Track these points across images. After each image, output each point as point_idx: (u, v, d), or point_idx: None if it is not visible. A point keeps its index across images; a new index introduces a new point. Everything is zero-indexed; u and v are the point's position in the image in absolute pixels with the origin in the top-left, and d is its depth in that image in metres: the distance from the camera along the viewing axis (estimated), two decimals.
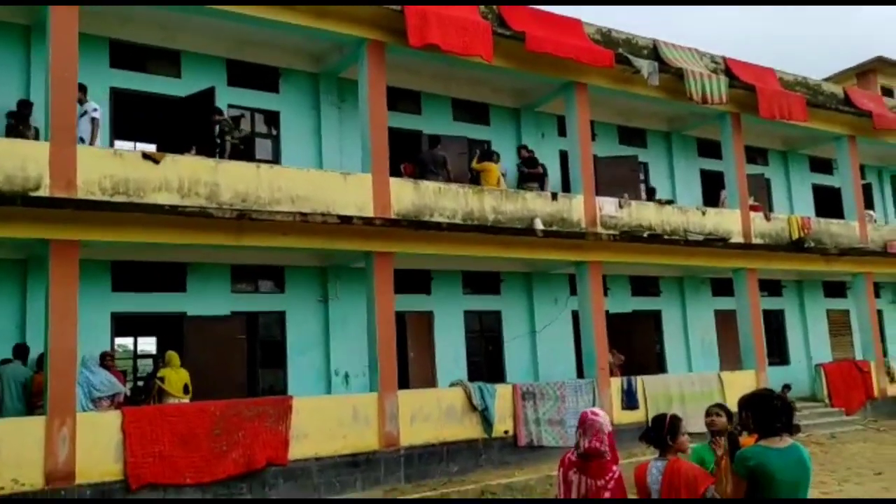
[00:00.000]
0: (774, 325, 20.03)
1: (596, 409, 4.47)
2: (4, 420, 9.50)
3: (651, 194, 17.48)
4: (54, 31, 9.98)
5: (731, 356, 17.84)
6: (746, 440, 4.57)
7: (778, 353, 19.84)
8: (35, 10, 10.93)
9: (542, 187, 15.12)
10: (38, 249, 10.08)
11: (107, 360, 11.16)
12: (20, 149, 9.68)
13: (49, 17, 10.02)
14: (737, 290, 17.15)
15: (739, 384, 15.73)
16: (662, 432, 4.45)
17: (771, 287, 20.07)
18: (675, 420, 4.47)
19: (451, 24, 12.70)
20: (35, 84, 11.23)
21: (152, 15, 11.82)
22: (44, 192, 9.58)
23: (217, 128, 12.13)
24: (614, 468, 4.26)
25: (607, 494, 4.18)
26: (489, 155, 14.77)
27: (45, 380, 9.41)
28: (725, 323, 18.21)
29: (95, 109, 10.88)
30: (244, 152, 12.94)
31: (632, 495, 4.49)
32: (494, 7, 14.22)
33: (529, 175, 15.22)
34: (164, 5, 11.29)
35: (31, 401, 10.03)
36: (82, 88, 10.70)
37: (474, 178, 14.39)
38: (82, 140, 10.52)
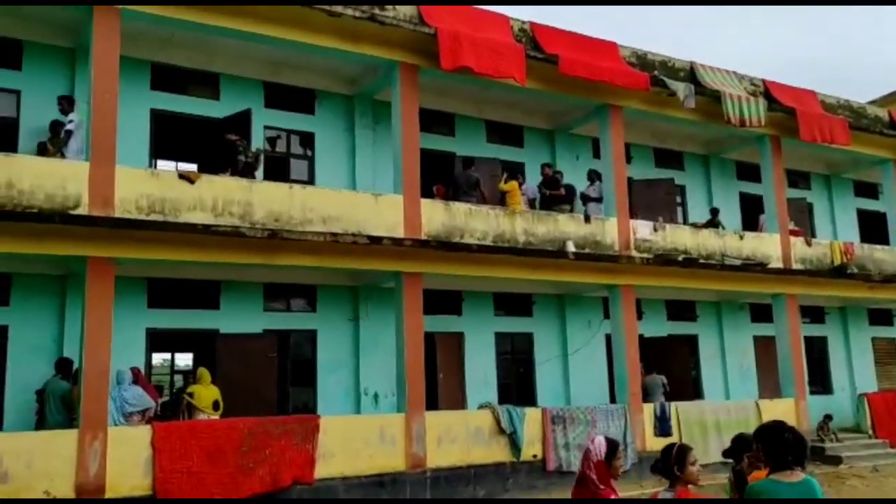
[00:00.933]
0: (817, 352, 19.48)
1: (595, 437, 4.45)
2: (38, 433, 9.77)
3: (714, 214, 17.33)
4: (97, 54, 10.32)
5: (770, 384, 17.42)
6: (758, 474, 4.46)
7: (820, 381, 19.30)
8: (79, 34, 11.32)
9: (571, 209, 15.00)
10: (75, 266, 10.38)
11: (137, 375, 11.41)
12: (61, 168, 10.00)
13: (92, 41, 10.37)
14: (776, 316, 16.78)
15: (778, 413, 15.31)
16: (670, 462, 4.36)
17: (813, 314, 19.58)
18: (683, 450, 4.38)
19: (484, 46, 12.78)
20: (79, 106, 11.56)
21: (192, 38, 12.14)
22: (82, 210, 9.86)
23: (240, 149, 12.26)
24: (612, 497, 4.20)
25: None
26: (514, 175, 14.67)
27: (79, 394, 9.62)
28: (765, 349, 17.80)
29: (71, 122, 10.76)
30: (277, 172, 13.18)
31: None
32: (528, 30, 14.28)
33: (552, 197, 15.01)
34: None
35: (71, 414, 10.25)
36: (69, 100, 10.95)
37: (502, 200, 14.35)
38: (62, 153, 10.65)
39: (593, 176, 15.41)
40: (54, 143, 11.00)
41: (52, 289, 11.29)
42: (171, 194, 10.55)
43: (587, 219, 14.44)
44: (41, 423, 10.25)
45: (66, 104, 10.98)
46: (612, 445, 4.39)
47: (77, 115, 10.83)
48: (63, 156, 10.70)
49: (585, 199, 15.36)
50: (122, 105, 10.68)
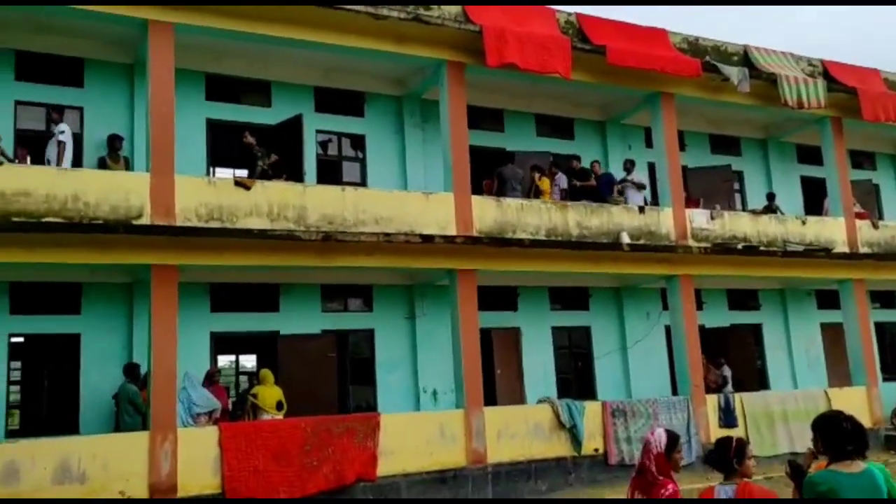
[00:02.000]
0: (889, 338, 18.82)
1: (656, 429, 4.42)
2: (111, 435, 10.20)
3: (771, 200, 16.90)
4: (153, 68, 10.69)
5: (840, 372, 16.89)
6: (819, 465, 4.36)
7: (893, 367, 18.62)
8: (136, 49, 11.72)
9: (562, 196, 14.46)
10: (141, 274, 10.76)
11: (214, 377, 11.83)
12: (124, 181, 10.39)
13: (148, 55, 10.74)
14: (843, 303, 16.25)
15: (849, 402, 14.85)
16: (728, 454, 4.29)
17: (883, 298, 18.90)
18: (742, 443, 4.32)
19: (529, 42, 12.74)
20: (138, 119, 12.01)
21: (244, 48, 12.44)
22: (145, 220, 10.23)
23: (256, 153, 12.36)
24: (669, 485, 4.18)
25: None
26: (542, 170, 14.37)
27: (149, 397, 9.99)
28: (833, 337, 17.26)
29: (63, 132, 10.83)
30: (329, 175, 13.43)
31: None
32: (574, 21, 14.18)
33: (582, 188, 14.67)
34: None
35: (141, 416, 10.64)
36: (58, 109, 11.11)
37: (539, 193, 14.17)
38: (49, 162, 10.77)
39: (628, 165, 15.06)
40: (113, 157, 11.42)
41: (120, 297, 11.73)
42: (228, 201, 10.84)
43: (641, 209, 14.25)
44: (118, 427, 10.69)
45: (57, 115, 11.07)
46: (672, 438, 4.36)
47: (67, 126, 10.94)
48: (125, 167, 11.15)
49: (625, 187, 14.89)
50: (178, 116, 11.03)
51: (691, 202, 15.47)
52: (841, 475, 3.82)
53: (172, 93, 10.74)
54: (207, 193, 10.79)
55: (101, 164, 11.40)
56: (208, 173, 12.97)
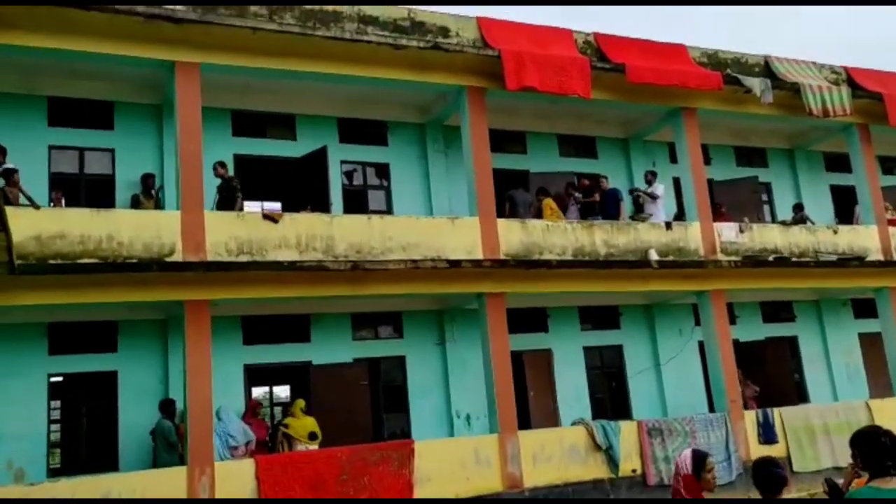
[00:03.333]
0: None
1: (684, 451, 4.39)
2: (149, 472, 10.29)
3: (798, 210, 16.70)
4: (181, 107, 10.95)
5: (881, 382, 16.52)
6: (860, 482, 4.29)
7: None
8: (163, 90, 12.00)
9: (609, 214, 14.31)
10: (174, 310, 10.93)
11: (257, 410, 11.97)
12: (155, 219, 10.61)
13: (176, 96, 10.99)
14: (880, 311, 15.95)
15: (891, 413, 14.57)
16: (767, 475, 4.22)
17: None
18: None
19: (548, 64, 12.82)
20: (167, 157, 12.26)
21: (268, 84, 12.66)
22: (177, 256, 10.42)
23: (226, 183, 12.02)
24: None
25: None
26: (546, 192, 14.24)
27: (186, 431, 10.11)
28: (872, 347, 16.91)
29: (6, 170, 10.52)
30: (355, 204, 13.59)
31: None
32: (592, 41, 14.24)
33: (586, 204, 14.51)
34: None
35: (175, 452, 10.74)
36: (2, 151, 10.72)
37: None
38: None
39: (650, 177, 14.89)
40: (146, 195, 11.67)
41: (155, 333, 11.91)
42: (257, 235, 11.00)
43: (668, 225, 14.17)
44: (156, 462, 10.81)
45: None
46: (698, 457, 4.32)
47: (11, 164, 10.65)
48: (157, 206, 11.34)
49: (644, 199, 14.76)
50: (206, 153, 11.25)
51: (723, 216, 15.32)
52: (882, 491, 3.75)
53: (200, 131, 10.97)
54: (236, 228, 10.96)
55: (135, 202, 11.64)
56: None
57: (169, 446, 10.62)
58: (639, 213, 14.72)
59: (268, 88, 12.88)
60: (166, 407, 11.00)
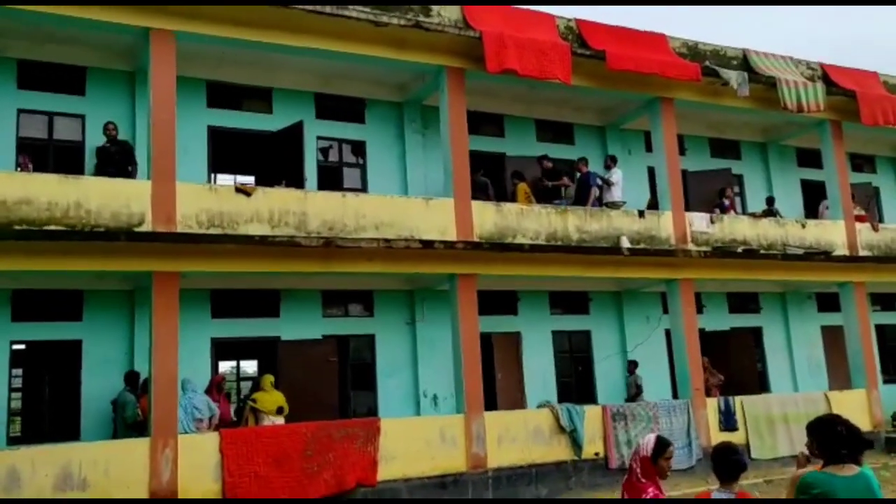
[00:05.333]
0: (889, 340, 18.83)
1: (650, 434, 4.50)
2: (113, 442, 10.24)
3: (770, 204, 16.94)
4: (154, 75, 10.74)
5: (840, 375, 16.91)
6: (815, 467, 4.40)
7: (894, 370, 18.63)
8: (137, 57, 11.79)
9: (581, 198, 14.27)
10: (142, 281, 10.82)
11: (222, 385, 11.91)
12: (125, 188, 10.45)
13: (150, 64, 10.80)
14: (843, 305, 16.29)
15: (849, 405, 14.98)
16: (726, 461, 4.30)
17: (884, 301, 18.93)
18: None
19: (529, 47, 12.79)
20: (140, 126, 12.08)
21: (245, 55, 12.48)
22: (147, 227, 10.28)
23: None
24: (649, 490, 4.26)
25: None
26: (520, 175, 14.29)
27: (150, 403, 10.04)
28: (834, 340, 17.27)
29: None
30: (330, 181, 13.50)
31: None
32: (574, 27, 14.22)
33: (555, 188, 14.51)
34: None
35: (133, 427, 10.66)
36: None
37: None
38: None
39: (609, 163, 14.89)
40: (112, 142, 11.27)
41: (122, 303, 11.80)
42: (229, 208, 10.90)
43: (641, 213, 14.29)
44: (115, 433, 10.74)
45: None
46: (661, 444, 4.41)
47: None
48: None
49: (605, 185, 14.70)
50: (180, 123, 11.08)
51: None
52: (835, 478, 3.86)
53: (174, 100, 10.80)
54: (208, 200, 10.84)
55: (101, 152, 11.27)
56: (209, 180, 13.03)
57: (125, 420, 10.55)
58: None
59: (245, 60, 12.70)
60: (130, 379, 10.92)
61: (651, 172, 15.86)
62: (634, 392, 14.44)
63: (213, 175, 13.79)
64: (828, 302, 17.65)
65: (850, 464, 3.93)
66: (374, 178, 14.05)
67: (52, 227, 9.76)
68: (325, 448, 10.70)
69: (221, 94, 13.06)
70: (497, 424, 12.09)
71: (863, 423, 14.95)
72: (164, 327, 10.19)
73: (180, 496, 9.80)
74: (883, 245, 16.75)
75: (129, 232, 10.12)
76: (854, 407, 15.08)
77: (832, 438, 3.99)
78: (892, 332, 18.98)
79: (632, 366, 14.78)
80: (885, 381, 17.29)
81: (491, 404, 13.04)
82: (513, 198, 13.98)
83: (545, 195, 14.41)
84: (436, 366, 13.58)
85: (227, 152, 13.96)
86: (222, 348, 13.08)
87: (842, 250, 16.06)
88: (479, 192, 13.43)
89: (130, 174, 11.28)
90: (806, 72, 16.67)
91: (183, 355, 10.49)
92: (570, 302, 15.50)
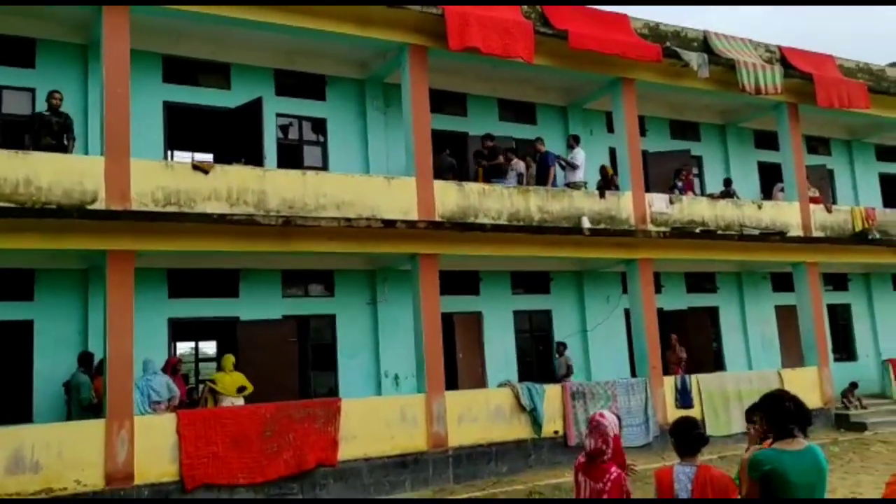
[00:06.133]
0: (840, 320, 19.35)
1: (605, 412, 4.47)
2: (67, 424, 10.05)
3: (728, 185, 17.14)
4: (107, 49, 10.43)
5: (793, 353, 17.33)
6: (765, 444, 4.47)
7: (844, 348, 19.17)
8: (90, 30, 11.44)
9: (519, 180, 14.01)
10: (96, 260, 10.57)
11: (177, 366, 11.74)
12: (78, 164, 10.17)
13: (103, 37, 10.47)
14: (797, 285, 16.65)
15: (801, 382, 15.37)
16: (690, 434, 4.31)
17: (836, 281, 19.43)
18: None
19: (492, 25, 12.71)
20: (92, 101, 11.75)
21: (202, 30, 12.20)
22: (100, 205, 10.02)
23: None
24: (612, 469, 4.24)
25: (605, 497, 4.19)
26: (483, 155, 14.21)
27: (104, 385, 9.86)
28: (787, 318, 17.68)
29: None
30: (291, 159, 13.31)
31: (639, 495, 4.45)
32: (538, 6, 14.17)
33: (491, 168, 14.10)
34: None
35: (87, 409, 10.46)
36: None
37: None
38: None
39: (572, 142, 14.86)
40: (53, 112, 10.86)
41: (75, 283, 11.52)
42: (186, 185, 10.68)
43: (602, 194, 14.38)
44: (69, 415, 10.53)
45: None
46: (621, 421, 4.46)
47: None
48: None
49: (566, 166, 14.67)
50: (134, 99, 10.81)
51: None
52: (784, 454, 3.93)
53: (128, 74, 10.50)
54: (164, 177, 10.61)
55: (40, 120, 10.80)
56: (166, 157, 12.76)
57: (80, 402, 10.34)
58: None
59: (202, 35, 12.40)
60: (84, 360, 10.70)
61: (612, 153, 15.95)
62: (564, 372, 14.57)
63: (169, 152, 13.51)
64: (782, 282, 18.02)
65: (797, 438, 4.00)
66: (335, 156, 13.90)
67: (1, 205, 9.45)
68: (284, 429, 10.64)
69: (178, 69, 12.75)
70: (458, 404, 12.14)
71: (814, 400, 15.45)
72: (119, 307, 9.98)
73: (136, 478, 9.67)
74: (836, 226, 17.12)
75: (82, 210, 9.85)
76: (806, 384, 15.49)
77: (781, 414, 4.05)
78: (844, 312, 19.49)
79: (561, 347, 14.87)
80: (836, 360, 17.78)
81: (452, 384, 13.09)
82: (476, 177, 13.96)
83: (486, 174, 14.12)
84: (397, 346, 13.56)
85: (184, 129, 13.67)
86: (180, 329, 12.90)
87: (796, 231, 16.39)
88: (445, 172, 13.37)
89: (67, 148, 10.88)
90: (764, 55, 16.88)
91: (139, 336, 10.30)
92: (531, 282, 15.58)
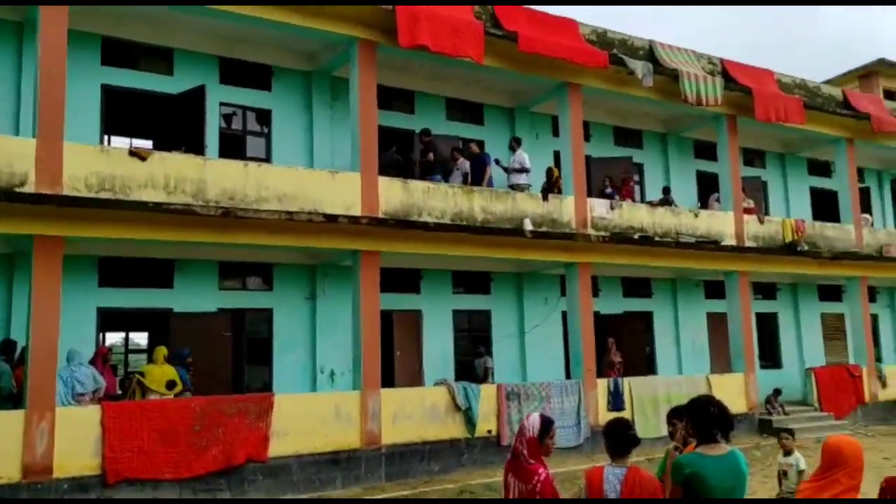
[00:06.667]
0: (768, 328, 20.02)
1: (531, 414, 4.51)
2: None
3: (666, 193, 17.49)
4: (44, 28, 10.07)
5: (722, 359, 17.84)
6: (690, 448, 4.59)
7: (770, 356, 19.84)
8: (26, 8, 11.02)
9: (464, 179, 14.12)
10: (23, 245, 10.21)
11: (107, 356, 11.42)
12: (6, 145, 9.78)
13: (39, 15, 10.10)
14: (728, 293, 17.14)
15: (728, 387, 15.83)
16: (622, 436, 4.39)
17: (765, 290, 20.07)
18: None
19: (443, 24, 12.71)
20: (26, 81, 11.33)
21: (145, 12, 11.89)
22: (29, 188, 9.68)
23: None
24: (540, 471, 4.28)
25: (537, 497, 4.23)
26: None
27: (25, 374, 9.53)
28: (717, 325, 18.19)
29: None
30: (233, 150, 13.06)
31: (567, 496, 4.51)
32: (489, 7, 14.22)
33: (424, 165, 14.13)
34: (157, 4, 11.36)
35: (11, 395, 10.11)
36: None
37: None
38: None
39: (514, 144, 14.98)
40: None
41: None
42: (121, 172, 10.39)
43: (545, 197, 14.53)
44: None
45: None
46: (546, 423, 4.44)
47: None
48: None
49: (507, 168, 14.87)
50: (71, 80, 10.47)
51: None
52: (706, 458, 4.04)
53: (64, 55, 10.14)
54: (99, 162, 10.29)
55: None
56: (102, 142, 12.39)
57: (4, 392, 9.99)
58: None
59: (144, 17, 12.10)
60: (6, 348, 10.32)
61: (557, 156, 16.13)
62: (484, 373, 14.73)
63: (107, 137, 13.14)
64: (714, 289, 18.53)
65: (720, 444, 4.12)
66: (279, 148, 13.71)
67: None
68: (214, 423, 10.46)
69: (118, 52, 12.39)
70: (393, 401, 12.14)
71: (739, 406, 15.94)
72: (45, 295, 9.65)
73: (56, 471, 9.39)
74: (767, 237, 17.67)
75: (10, 192, 9.49)
76: (732, 390, 15.98)
77: (705, 419, 4.17)
78: (771, 320, 20.16)
79: (481, 349, 15.08)
80: (762, 367, 18.37)
81: (389, 382, 13.08)
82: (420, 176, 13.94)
83: (421, 171, 14.06)
84: (335, 342, 13.47)
85: (123, 114, 13.29)
86: (110, 319, 12.57)
87: (730, 240, 16.86)
88: (391, 169, 13.31)
89: None
90: (707, 66, 17.30)
91: (65, 325, 10.00)
92: (471, 281, 15.67)
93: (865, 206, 21.05)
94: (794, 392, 18.59)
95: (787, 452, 7.65)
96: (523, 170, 14.61)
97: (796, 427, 16.23)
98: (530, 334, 15.94)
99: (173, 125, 12.61)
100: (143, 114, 13.53)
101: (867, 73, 24.35)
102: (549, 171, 15.61)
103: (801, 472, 7.45)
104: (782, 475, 7.79)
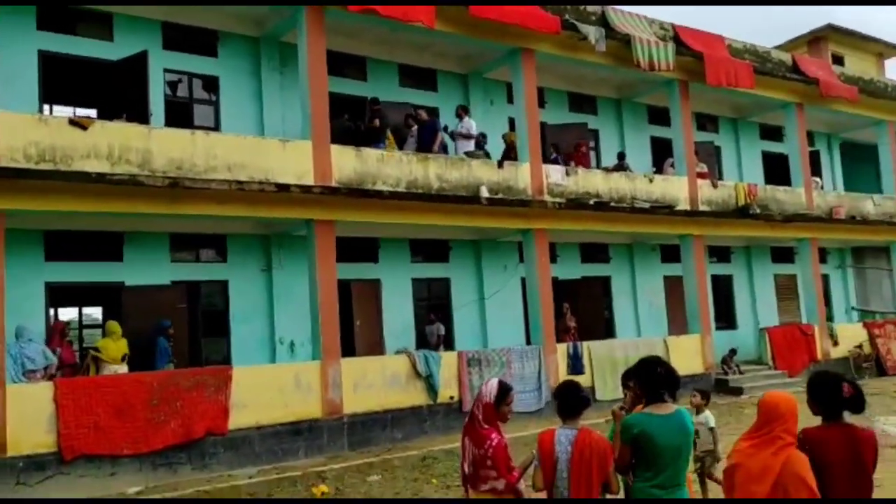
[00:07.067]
0: (723, 290, 20.38)
1: (491, 380, 4.53)
2: None
3: (621, 159, 17.50)
4: None
5: (679, 321, 18.13)
6: (639, 408, 4.61)
7: (726, 317, 20.22)
8: None
9: (400, 145, 13.85)
10: None
11: (64, 332, 11.13)
12: None
13: None
14: (683, 257, 17.37)
15: (685, 349, 16.11)
16: (574, 398, 4.40)
17: (720, 253, 20.40)
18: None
19: None
20: None
21: None
22: None
23: None
24: (493, 436, 4.30)
25: (488, 462, 4.25)
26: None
27: None
28: (674, 289, 18.45)
29: None
30: (179, 118, 12.69)
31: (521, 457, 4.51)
32: None
33: (369, 130, 13.63)
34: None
35: None
36: None
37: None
38: None
39: (461, 112, 14.80)
40: None
41: None
42: (62, 141, 10.01)
43: (500, 164, 14.47)
44: None
45: None
46: (503, 389, 4.45)
47: None
48: None
49: (454, 136, 14.68)
50: (4, 46, 10.06)
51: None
52: (654, 417, 4.09)
53: None
54: (38, 132, 9.90)
55: None
56: (41, 111, 11.92)
57: None
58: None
59: None
60: None
61: (512, 123, 16.06)
62: (436, 340, 14.77)
63: (47, 106, 12.66)
64: (670, 253, 18.76)
65: (667, 403, 4.16)
66: (227, 116, 13.36)
67: None
68: (172, 397, 10.27)
69: (54, 16, 11.89)
70: (353, 371, 12.05)
71: (696, 366, 16.24)
72: None
73: (10, 448, 9.13)
74: (720, 201, 17.91)
75: None
76: (689, 351, 16.26)
77: (653, 379, 4.21)
78: (726, 283, 20.53)
79: (433, 316, 15.08)
80: (718, 328, 18.71)
81: (349, 351, 12.98)
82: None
83: (364, 138, 13.63)
84: (293, 313, 13.29)
85: (62, 82, 12.80)
86: (59, 294, 12.21)
87: (684, 205, 17.04)
88: (345, 137, 13.06)
89: None
90: (659, 32, 17.34)
91: (11, 301, 9.69)
92: (430, 250, 15.59)
93: (815, 170, 21.50)
94: (749, 352, 19.01)
95: (698, 411, 7.44)
96: (469, 136, 14.48)
97: (751, 385, 16.68)
98: (490, 301, 15.95)
99: (116, 93, 12.17)
100: (84, 82, 13.06)
101: (816, 39, 24.65)
102: (506, 137, 15.52)
103: (711, 430, 7.40)
104: (695, 435, 7.78)
